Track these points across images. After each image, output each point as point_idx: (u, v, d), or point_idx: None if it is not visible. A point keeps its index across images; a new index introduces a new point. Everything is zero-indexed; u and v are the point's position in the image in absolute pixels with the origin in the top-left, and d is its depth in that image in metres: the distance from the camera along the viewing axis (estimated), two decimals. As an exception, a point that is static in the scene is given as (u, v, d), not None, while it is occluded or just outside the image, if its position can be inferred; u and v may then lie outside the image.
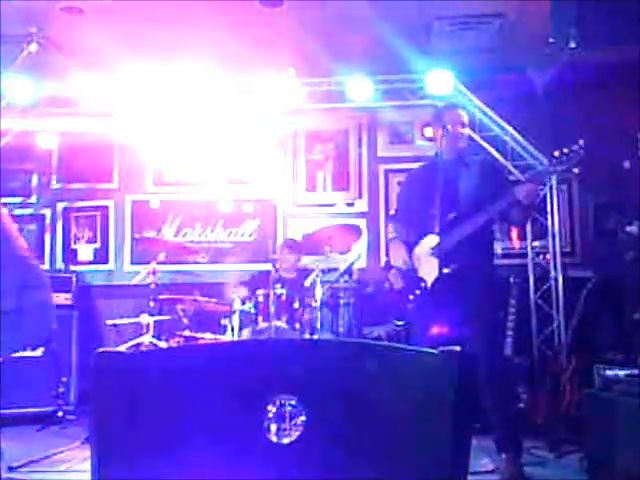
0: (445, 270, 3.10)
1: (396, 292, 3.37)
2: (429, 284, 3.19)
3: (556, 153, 3.07)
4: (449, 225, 3.17)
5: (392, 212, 4.00)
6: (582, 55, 4.91)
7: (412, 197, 3.54)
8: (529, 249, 5.52)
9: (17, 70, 5.18)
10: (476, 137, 5.15)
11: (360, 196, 6.22)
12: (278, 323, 4.34)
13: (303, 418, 1.46)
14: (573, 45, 4.78)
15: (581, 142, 3.03)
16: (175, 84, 5.35)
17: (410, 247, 3.38)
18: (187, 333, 4.78)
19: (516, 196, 3.11)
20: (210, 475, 1.49)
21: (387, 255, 3.65)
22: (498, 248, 3.56)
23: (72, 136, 5.80)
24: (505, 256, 5.67)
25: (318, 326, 4.53)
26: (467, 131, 3.47)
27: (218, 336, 4.67)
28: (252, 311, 4.49)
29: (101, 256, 6.24)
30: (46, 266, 6.09)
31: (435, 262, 3.12)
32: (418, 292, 3.25)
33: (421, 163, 3.74)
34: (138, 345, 4.83)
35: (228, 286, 5.04)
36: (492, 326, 3.36)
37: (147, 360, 1.65)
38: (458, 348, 1.43)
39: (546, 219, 5.35)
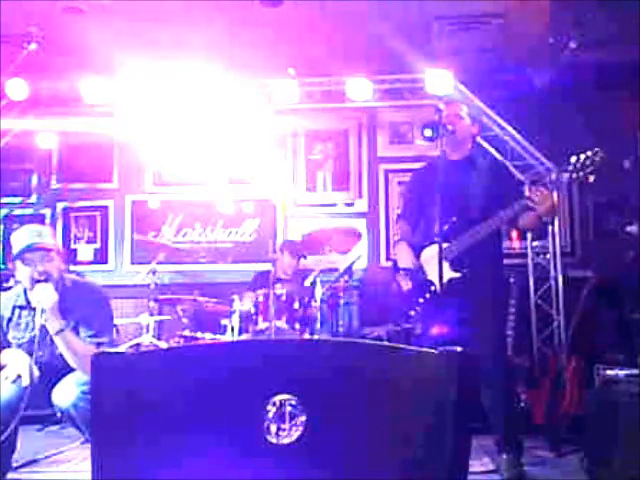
0: (456, 274, 3.09)
1: (402, 294, 3.35)
2: (438, 288, 3.16)
3: (572, 159, 3.03)
4: (459, 229, 3.14)
5: (398, 211, 3.96)
6: (582, 55, 4.92)
7: (416, 197, 3.51)
8: (529, 249, 5.52)
9: (17, 70, 5.18)
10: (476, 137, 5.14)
11: (360, 196, 6.22)
12: (278, 323, 4.34)
13: (303, 418, 1.46)
14: (573, 45, 4.79)
15: (596, 149, 2.99)
16: (175, 84, 5.35)
17: (417, 249, 3.36)
18: (187, 333, 4.78)
19: (530, 201, 3.06)
20: (209, 476, 1.49)
21: (387, 258, 3.64)
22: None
23: (72, 136, 5.81)
24: (505, 256, 5.64)
25: (318, 326, 4.53)
26: (466, 125, 3.35)
27: (218, 336, 4.67)
28: (252, 311, 4.48)
29: (101, 256, 6.24)
30: (46, 266, 6.09)
31: (445, 266, 3.08)
32: (428, 296, 3.22)
33: (424, 163, 3.71)
34: (138, 345, 4.83)
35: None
36: (497, 328, 3.36)
37: (147, 360, 1.65)
38: (459, 348, 1.43)
39: (552, 217, 5.33)
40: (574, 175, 3.01)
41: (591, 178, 2.99)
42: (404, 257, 3.37)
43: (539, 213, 3.09)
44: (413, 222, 3.49)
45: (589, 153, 2.99)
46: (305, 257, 5.08)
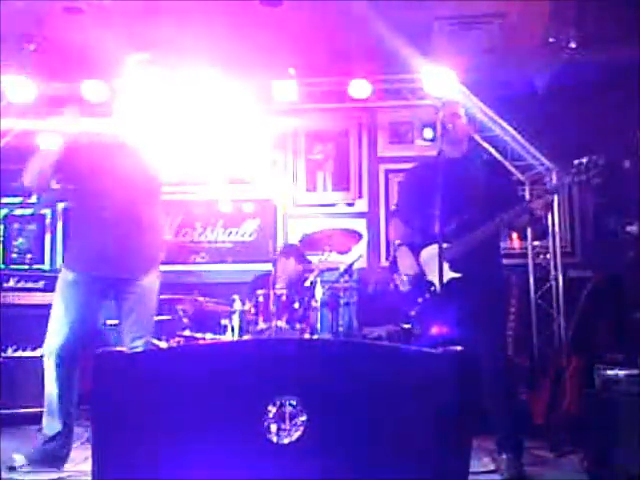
0: (455, 274, 3.10)
1: (402, 294, 3.35)
2: (438, 288, 3.16)
3: (575, 162, 3.03)
4: (458, 228, 3.14)
5: (393, 207, 3.96)
6: (582, 55, 4.92)
7: (413, 195, 3.50)
8: (529, 249, 5.52)
9: (17, 70, 5.17)
10: (476, 137, 5.14)
11: (360, 196, 6.22)
12: (278, 323, 4.33)
13: (303, 418, 1.46)
14: (573, 45, 4.79)
15: (597, 155, 2.99)
16: (175, 84, 5.34)
17: (416, 249, 3.35)
18: (187, 333, 4.78)
19: (532, 207, 3.08)
20: (210, 475, 1.49)
21: (387, 258, 3.62)
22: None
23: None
24: (505, 256, 5.64)
25: (318, 326, 4.52)
26: (464, 124, 3.35)
27: (218, 336, 4.67)
28: (252, 311, 4.48)
29: (101, 256, 6.23)
30: (46, 266, 6.09)
31: (444, 266, 3.08)
32: (428, 296, 3.23)
33: (416, 163, 3.72)
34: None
35: None
36: (497, 328, 3.36)
37: (147, 360, 1.65)
38: (459, 348, 1.43)
39: (546, 219, 5.35)
40: (576, 179, 3.02)
41: (593, 182, 3.00)
42: (406, 263, 3.36)
43: (534, 216, 3.11)
44: (410, 220, 3.49)
45: (592, 157, 2.99)
46: (310, 262, 5.09)
